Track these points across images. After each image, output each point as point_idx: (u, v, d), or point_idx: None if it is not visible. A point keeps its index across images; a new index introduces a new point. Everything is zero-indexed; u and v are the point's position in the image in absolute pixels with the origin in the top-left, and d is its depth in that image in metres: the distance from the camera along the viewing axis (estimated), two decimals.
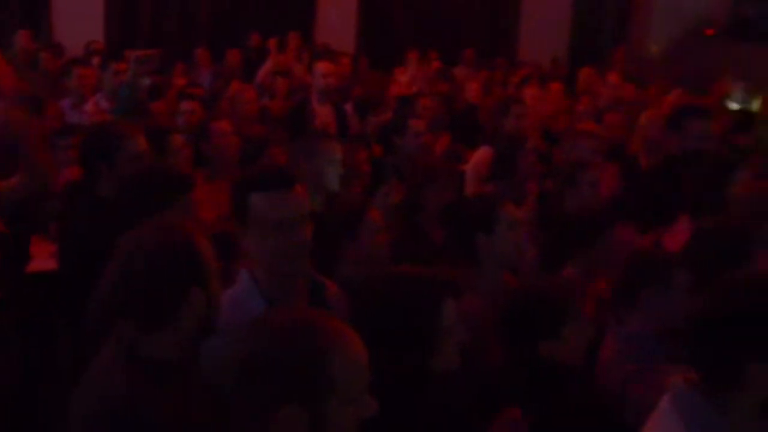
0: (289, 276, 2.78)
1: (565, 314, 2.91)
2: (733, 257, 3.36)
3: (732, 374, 2.08)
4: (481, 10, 13.74)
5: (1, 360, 3.86)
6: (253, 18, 12.55)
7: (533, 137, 6.45)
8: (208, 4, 12.60)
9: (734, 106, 9.23)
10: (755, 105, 9.41)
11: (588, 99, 8.51)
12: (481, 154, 6.04)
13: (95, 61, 8.53)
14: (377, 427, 1.90)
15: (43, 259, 4.66)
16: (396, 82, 9.46)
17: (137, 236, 2.32)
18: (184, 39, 12.03)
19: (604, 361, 3.25)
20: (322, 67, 7.03)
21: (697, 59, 10.23)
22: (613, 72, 9.90)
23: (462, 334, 2.48)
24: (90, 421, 2.15)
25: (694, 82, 9.71)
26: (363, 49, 12.16)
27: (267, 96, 8.43)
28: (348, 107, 7.48)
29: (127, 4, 12.22)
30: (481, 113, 8.17)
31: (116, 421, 2.12)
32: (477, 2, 13.75)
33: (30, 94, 5.54)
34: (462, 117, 7.87)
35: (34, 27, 10.58)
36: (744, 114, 8.41)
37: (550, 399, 2.77)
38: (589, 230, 3.90)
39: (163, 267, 2.25)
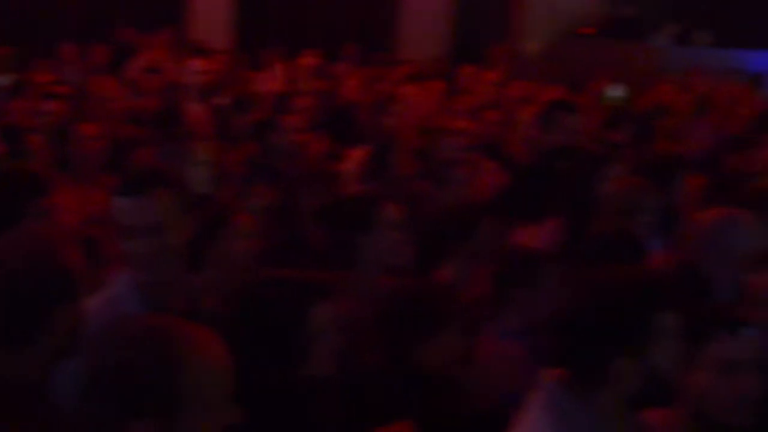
0: (158, 281, 2.74)
1: (442, 317, 2.94)
2: (619, 258, 3.47)
3: (599, 369, 2.15)
4: (360, 7, 13.80)
5: None
6: (123, 12, 12.28)
7: (411, 136, 6.53)
8: None
9: (610, 103, 9.55)
10: (631, 102, 9.76)
11: (467, 97, 8.66)
12: (360, 153, 6.06)
13: None
14: None
15: None
16: (260, 80, 9.38)
17: None
18: (49, 34, 11.66)
19: (480, 359, 3.31)
20: (195, 63, 6.95)
21: (574, 57, 10.53)
22: (492, 70, 10.11)
23: (335, 338, 2.48)
24: None
25: (572, 79, 10.01)
26: (239, 46, 12.04)
27: (137, 94, 8.26)
28: (225, 105, 7.40)
29: None
30: (361, 111, 8.22)
31: None
32: None
33: None
34: (340, 115, 7.89)
35: None
36: (619, 111, 8.72)
37: (426, 404, 2.80)
38: (462, 227, 3.96)
39: (24, 282, 2.14)
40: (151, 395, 1.71)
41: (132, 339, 1.76)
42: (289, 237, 4.30)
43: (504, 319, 3.40)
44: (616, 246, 3.65)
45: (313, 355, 2.44)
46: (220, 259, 3.44)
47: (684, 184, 4.88)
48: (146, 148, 5.26)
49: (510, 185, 5.08)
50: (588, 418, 2.16)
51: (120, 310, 2.63)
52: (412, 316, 2.91)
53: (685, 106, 9.21)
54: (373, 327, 2.99)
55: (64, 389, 2.28)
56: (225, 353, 1.80)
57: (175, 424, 1.71)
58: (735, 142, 6.90)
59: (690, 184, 5.02)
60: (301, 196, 4.41)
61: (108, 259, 3.19)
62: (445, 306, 2.97)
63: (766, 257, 3.06)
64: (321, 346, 2.45)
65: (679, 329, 2.17)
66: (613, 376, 2.15)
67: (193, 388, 1.72)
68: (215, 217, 3.42)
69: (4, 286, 2.14)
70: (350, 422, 2.65)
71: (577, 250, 3.81)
